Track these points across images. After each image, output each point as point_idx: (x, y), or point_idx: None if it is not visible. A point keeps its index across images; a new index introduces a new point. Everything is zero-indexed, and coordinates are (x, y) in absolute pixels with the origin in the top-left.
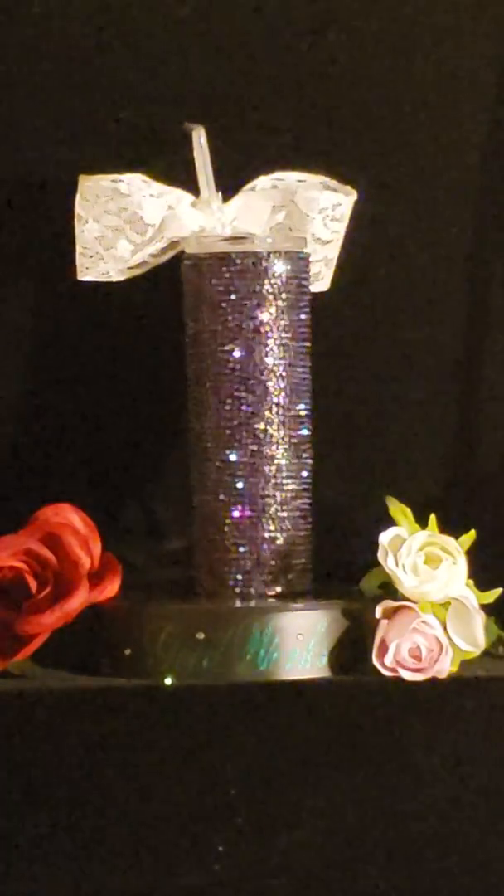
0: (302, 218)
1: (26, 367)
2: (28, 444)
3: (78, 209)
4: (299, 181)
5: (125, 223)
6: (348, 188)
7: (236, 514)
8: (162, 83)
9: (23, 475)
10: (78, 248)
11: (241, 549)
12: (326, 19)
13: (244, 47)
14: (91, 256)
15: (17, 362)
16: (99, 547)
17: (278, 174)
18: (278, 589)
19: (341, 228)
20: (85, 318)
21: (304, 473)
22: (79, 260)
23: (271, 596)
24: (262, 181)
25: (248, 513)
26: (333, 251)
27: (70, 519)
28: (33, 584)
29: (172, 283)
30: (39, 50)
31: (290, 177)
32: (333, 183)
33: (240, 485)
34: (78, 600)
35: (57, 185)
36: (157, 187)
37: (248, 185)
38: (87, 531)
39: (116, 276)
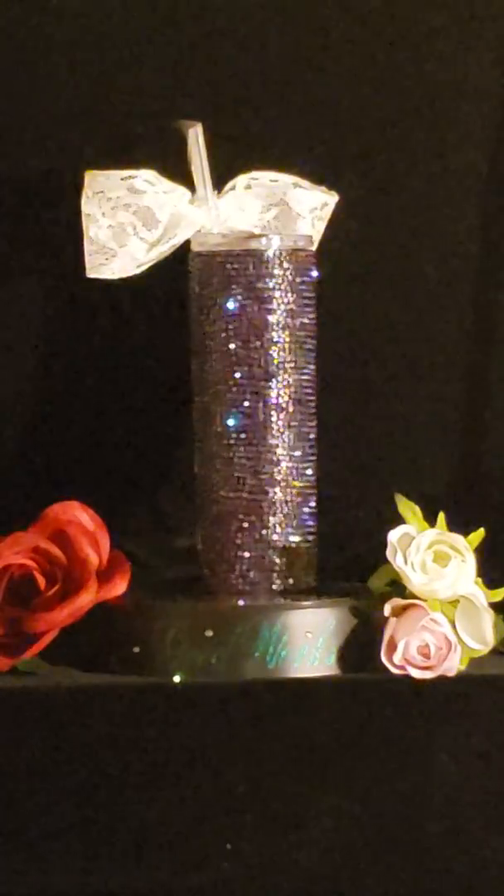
0: (293, 217)
1: (34, 365)
2: (36, 443)
3: (86, 206)
4: (272, 181)
5: (137, 220)
6: (323, 188)
7: (241, 512)
8: (163, 81)
9: (31, 473)
10: (87, 246)
11: (247, 547)
12: (329, 18)
13: (243, 46)
14: (101, 253)
15: (26, 361)
16: (107, 544)
17: (254, 173)
18: (284, 587)
19: (322, 228)
20: (91, 317)
21: (310, 472)
22: (88, 257)
23: (277, 593)
24: (240, 180)
25: (253, 511)
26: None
27: (78, 517)
28: (42, 582)
29: (179, 281)
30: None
31: (264, 176)
32: (305, 183)
33: (245, 483)
34: (87, 598)
35: (57, 183)
36: (167, 184)
37: (229, 185)
38: (95, 529)
39: (124, 273)
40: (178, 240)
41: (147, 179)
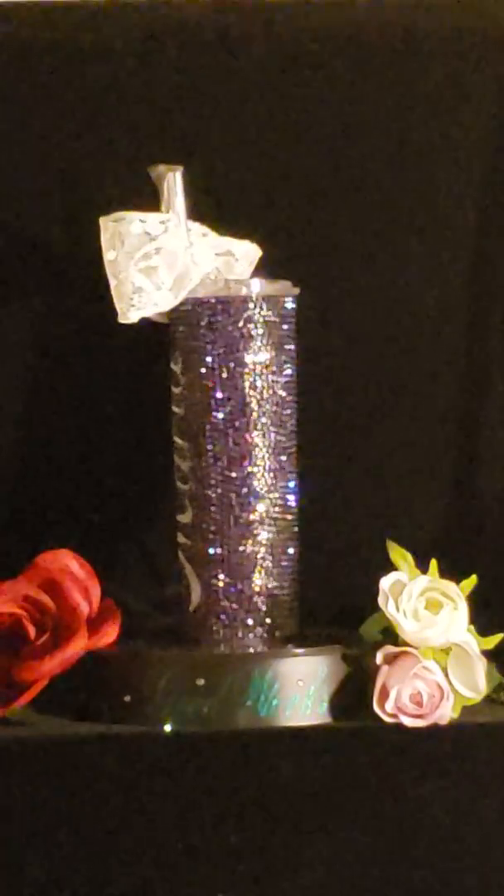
0: (236, 268)
1: (23, 413)
2: (26, 491)
3: (112, 252)
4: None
5: (164, 263)
6: (241, 240)
7: (224, 560)
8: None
9: (22, 521)
10: (121, 291)
11: (230, 596)
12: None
13: (226, 95)
14: (130, 298)
15: (15, 409)
16: (98, 593)
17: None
18: (267, 634)
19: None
20: (75, 364)
21: (292, 519)
22: (120, 302)
23: (266, 641)
24: None
25: (235, 559)
26: None
27: (69, 565)
28: (32, 631)
29: (163, 328)
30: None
31: (194, 228)
32: (210, 232)
33: (227, 530)
34: (77, 646)
35: (50, 219)
36: (183, 228)
37: None
38: (85, 577)
39: (151, 313)
40: (193, 283)
41: (175, 224)
